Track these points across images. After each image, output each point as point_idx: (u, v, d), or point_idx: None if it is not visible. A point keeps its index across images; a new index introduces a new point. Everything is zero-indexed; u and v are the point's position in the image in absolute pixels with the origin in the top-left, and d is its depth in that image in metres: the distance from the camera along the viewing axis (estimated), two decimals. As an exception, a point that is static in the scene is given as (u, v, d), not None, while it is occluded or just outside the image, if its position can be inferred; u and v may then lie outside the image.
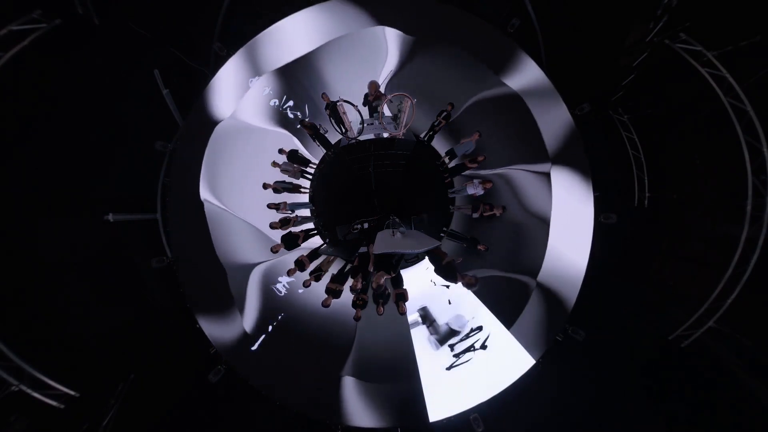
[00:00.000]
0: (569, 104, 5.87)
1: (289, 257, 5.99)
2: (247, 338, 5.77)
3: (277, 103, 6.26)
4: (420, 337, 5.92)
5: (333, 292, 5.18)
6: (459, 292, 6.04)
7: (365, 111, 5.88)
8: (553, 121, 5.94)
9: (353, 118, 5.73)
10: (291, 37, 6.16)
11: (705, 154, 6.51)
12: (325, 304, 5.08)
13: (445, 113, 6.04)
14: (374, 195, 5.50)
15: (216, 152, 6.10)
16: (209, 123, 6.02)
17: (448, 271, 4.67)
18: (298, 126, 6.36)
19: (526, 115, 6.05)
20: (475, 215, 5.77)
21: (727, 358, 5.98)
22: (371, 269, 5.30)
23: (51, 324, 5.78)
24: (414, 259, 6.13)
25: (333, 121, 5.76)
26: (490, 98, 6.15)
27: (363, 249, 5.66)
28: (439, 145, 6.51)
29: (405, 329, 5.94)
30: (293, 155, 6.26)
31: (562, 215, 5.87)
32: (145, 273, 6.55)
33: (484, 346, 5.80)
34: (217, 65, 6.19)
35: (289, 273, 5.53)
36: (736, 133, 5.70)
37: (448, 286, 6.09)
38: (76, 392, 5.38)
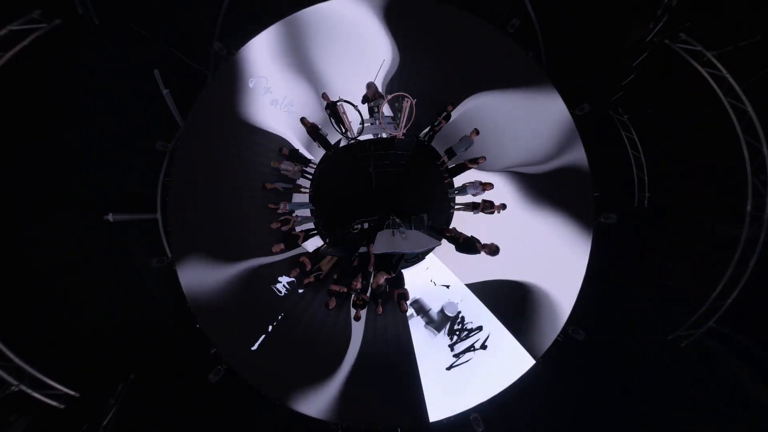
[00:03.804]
0: (569, 104, 5.87)
1: (289, 257, 6.01)
2: (247, 338, 5.77)
3: (277, 103, 6.26)
4: (420, 335, 5.92)
5: (337, 294, 5.19)
6: (458, 292, 6.04)
7: (365, 111, 5.87)
8: (553, 121, 5.94)
9: (353, 117, 5.73)
10: (293, 36, 6.18)
11: (705, 154, 6.51)
12: (330, 306, 5.10)
13: (444, 113, 6.04)
14: (374, 195, 5.51)
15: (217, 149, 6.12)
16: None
17: (467, 246, 4.92)
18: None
19: (526, 116, 6.06)
20: (476, 213, 5.78)
21: (727, 358, 5.98)
22: (371, 269, 5.33)
23: (51, 324, 5.77)
24: (414, 259, 6.13)
25: (333, 121, 5.76)
26: (489, 98, 6.15)
27: (363, 249, 5.67)
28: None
29: (405, 328, 5.93)
30: (293, 155, 6.27)
31: (561, 215, 5.88)
32: (145, 273, 6.54)
33: (484, 346, 5.80)
34: (217, 65, 6.19)
35: (290, 273, 5.53)
36: (736, 133, 5.70)
37: (448, 286, 6.09)
38: (76, 392, 5.38)
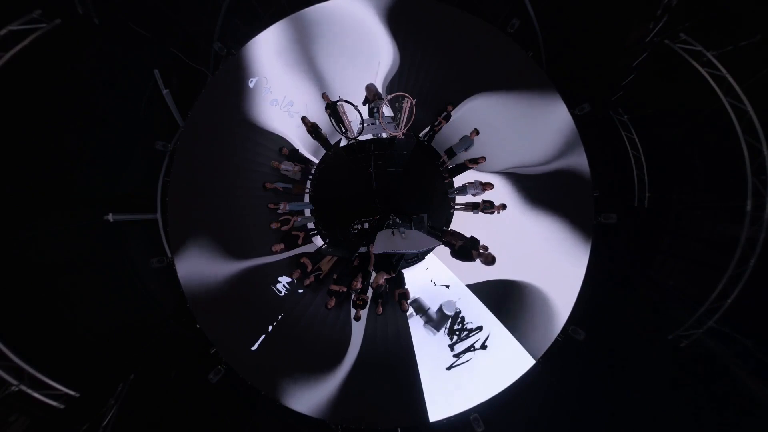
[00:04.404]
0: (569, 104, 5.87)
1: (289, 257, 6.01)
2: (247, 338, 5.77)
3: (277, 102, 6.26)
4: (420, 335, 5.92)
5: (337, 294, 5.20)
6: (458, 292, 6.04)
7: (365, 111, 5.87)
8: (553, 121, 5.94)
9: (353, 118, 5.73)
10: (293, 36, 6.18)
11: (705, 154, 6.51)
12: (329, 306, 5.11)
13: (445, 113, 6.05)
14: (374, 195, 5.50)
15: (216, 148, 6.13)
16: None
17: (463, 253, 4.87)
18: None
19: (526, 116, 6.06)
20: (476, 213, 5.78)
21: (727, 358, 5.98)
22: (371, 269, 5.34)
23: (51, 324, 5.77)
24: (414, 259, 6.13)
25: (333, 121, 5.76)
26: (490, 98, 6.15)
27: (363, 249, 5.67)
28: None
29: (405, 328, 5.93)
30: (293, 155, 6.27)
31: (561, 215, 5.88)
32: (145, 273, 6.54)
33: (484, 346, 5.80)
34: (217, 65, 6.19)
35: (292, 274, 5.52)
36: (736, 133, 5.70)
37: (448, 286, 6.09)
38: (76, 392, 5.38)
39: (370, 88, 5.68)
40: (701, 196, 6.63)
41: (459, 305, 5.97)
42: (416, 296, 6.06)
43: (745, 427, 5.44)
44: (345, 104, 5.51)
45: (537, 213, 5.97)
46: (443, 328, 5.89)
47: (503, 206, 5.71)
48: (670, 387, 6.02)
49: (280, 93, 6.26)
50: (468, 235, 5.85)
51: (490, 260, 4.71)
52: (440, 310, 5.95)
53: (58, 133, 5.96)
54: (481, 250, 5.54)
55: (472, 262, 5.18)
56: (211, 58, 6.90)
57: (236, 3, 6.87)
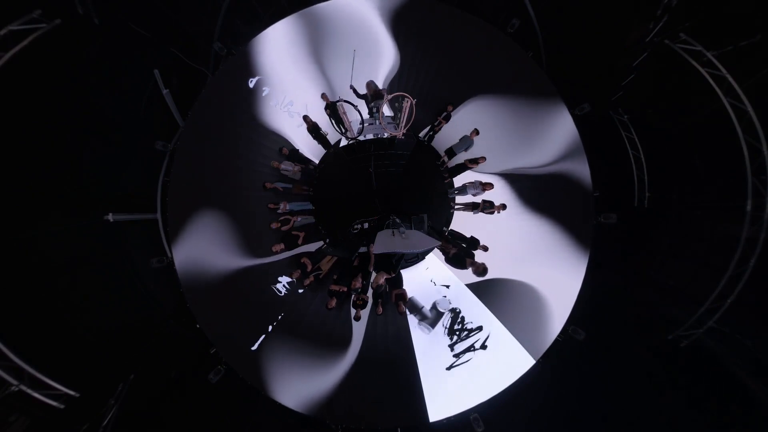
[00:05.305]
0: (569, 104, 5.87)
1: (289, 257, 6.01)
2: (247, 338, 5.77)
3: (277, 103, 6.26)
4: (420, 335, 5.92)
5: (337, 294, 5.19)
6: (459, 292, 6.04)
7: (365, 110, 5.87)
8: (553, 121, 5.94)
9: (353, 118, 5.73)
10: (292, 36, 6.18)
11: (705, 154, 6.51)
12: (330, 306, 5.10)
13: (444, 113, 6.05)
14: (374, 195, 5.50)
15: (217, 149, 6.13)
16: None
17: (456, 260, 4.82)
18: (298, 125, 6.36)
19: (526, 116, 6.06)
20: (476, 213, 5.78)
21: (727, 358, 5.98)
22: (371, 269, 5.33)
23: (51, 324, 5.78)
24: (414, 259, 6.13)
25: (333, 121, 5.76)
26: (490, 98, 6.15)
27: (363, 249, 5.67)
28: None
29: (405, 328, 5.93)
30: (293, 155, 6.27)
31: (561, 215, 5.88)
32: (145, 273, 6.54)
33: (484, 346, 5.80)
34: (217, 65, 6.20)
35: (292, 274, 5.51)
36: (736, 133, 5.70)
37: (447, 286, 6.08)
38: (76, 392, 5.38)
39: (370, 85, 5.67)
40: (701, 196, 6.63)
41: (459, 305, 5.97)
42: (409, 296, 6.05)
43: (745, 427, 5.44)
44: (345, 104, 5.51)
45: (537, 213, 5.97)
46: (438, 326, 5.88)
47: (503, 206, 5.71)
48: (670, 387, 6.02)
49: (280, 93, 6.26)
50: (468, 235, 5.87)
51: (481, 271, 4.65)
52: (434, 307, 5.94)
53: (58, 133, 5.95)
54: (478, 250, 5.54)
55: (476, 256, 5.16)
56: (211, 58, 6.90)
57: (236, 3, 6.87)
